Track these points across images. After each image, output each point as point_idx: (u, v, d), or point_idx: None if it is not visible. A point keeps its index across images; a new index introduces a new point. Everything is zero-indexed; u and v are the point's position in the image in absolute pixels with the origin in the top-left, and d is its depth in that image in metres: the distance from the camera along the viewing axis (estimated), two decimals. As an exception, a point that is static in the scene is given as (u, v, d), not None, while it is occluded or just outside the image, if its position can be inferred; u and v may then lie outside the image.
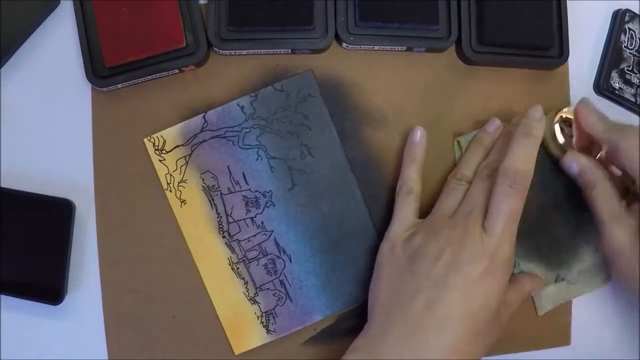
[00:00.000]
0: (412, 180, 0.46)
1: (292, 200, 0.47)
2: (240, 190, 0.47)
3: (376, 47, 0.48)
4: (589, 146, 0.47)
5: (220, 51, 0.47)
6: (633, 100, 0.51)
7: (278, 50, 0.47)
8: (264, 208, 0.47)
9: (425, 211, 0.46)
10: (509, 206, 0.41)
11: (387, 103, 0.49)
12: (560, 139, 0.47)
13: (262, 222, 0.47)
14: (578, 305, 0.50)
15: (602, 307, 0.50)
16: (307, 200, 0.47)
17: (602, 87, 0.51)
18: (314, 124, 0.47)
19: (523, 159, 0.43)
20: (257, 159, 0.47)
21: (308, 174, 0.47)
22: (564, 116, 0.47)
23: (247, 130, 0.47)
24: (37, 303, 0.46)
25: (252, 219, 0.47)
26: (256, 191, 0.47)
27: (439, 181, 0.49)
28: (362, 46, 0.48)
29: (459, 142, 0.49)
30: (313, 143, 0.47)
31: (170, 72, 0.47)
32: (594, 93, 0.51)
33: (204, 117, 0.47)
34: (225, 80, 0.48)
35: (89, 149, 0.47)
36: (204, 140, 0.47)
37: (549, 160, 0.48)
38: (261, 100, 0.47)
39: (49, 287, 0.46)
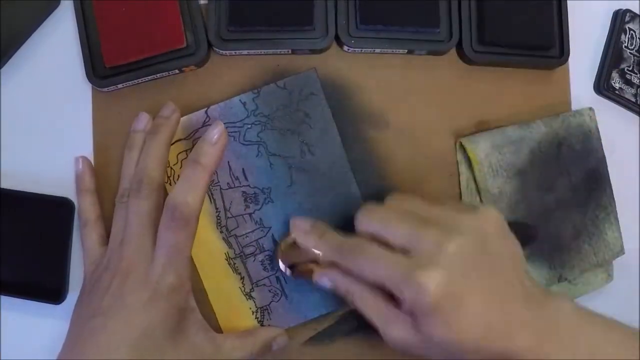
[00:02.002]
0: (85, 212, 0.46)
1: (291, 198, 0.47)
2: (239, 186, 0.47)
3: (377, 50, 0.49)
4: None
5: (221, 51, 0.48)
6: (633, 100, 0.51)
7: (278, 50, 0.48)
8: (262, 204, 0.47)
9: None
10: (170, 240, 0.41)
11: (388, 103, 0.49)
12: (287, 271, 0.45)
13: (260, 219, 0.47)
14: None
15: (602, 307, 0.49)
16: (306, 198, 0.47)
17: (602, 87, 0.51)
18: (315, 123, 0.47)
19: (186, 191, 0.42)
20: (257, 155, 0.47)
21: (308, 172, 0.47)
22: (284, 242, 0.45)
23: (249, 126, 0.47)
24: (38, 303, 0.46)
25: (250, 215, 0.47)
26: (255, 187, 0.47)
27: (440, 182, 0.48)
28: (363, 49, 0.49)
29: (461, 143, 0.49)
30: (314, 141, 0.47)
31: (170, 72, 0.47)
32: (594, 93, 0.51)
33: (206, 111, 0.47)
34: (225, 81, 0.48)
35: (89, 148, 0.48)
36: (205, 135, 0.47)
37: (552, 160, 0.48)
38: (263, 97, 0.47)
39: (50, 286, 0.46)
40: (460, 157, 0.49)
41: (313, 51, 0.48)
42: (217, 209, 0.47)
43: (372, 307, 0.41)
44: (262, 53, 0.48)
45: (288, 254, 0.45)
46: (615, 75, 0.51)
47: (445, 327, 0.37)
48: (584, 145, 0.49)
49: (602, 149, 0.49)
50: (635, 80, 0.51)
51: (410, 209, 0.42)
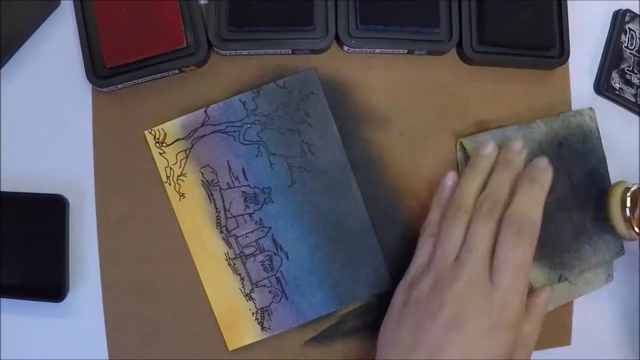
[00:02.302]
0: (436, 225, 0.44)
1: (291, 198, 0.47)
2: (239, 186, 0.47)
3: (377, 50, 0.49)
4: None
5: (221, 51, 0.47)
6: (633, 100, 0.51)
7: (278, 50, 0.48)
8: (262, 204, 0.47)
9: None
10: (516, 257, 0.39)
11: (388, 103, 0.49)
12: (627, 213, 0.46)
13: (260, 219, 0.47)
14: (578, 305, 0.50)
15: (602, 307, 0.49)
16: (306, 198, 0.47)
17: (602, 87, 0.51)
18: (315, 122, 0.47)
19: (530, 205, 0.41)
20: (257, 155, 0.47)
21: (308, 172, 0.47)
22: (633, 190, 0.46)
23: (248, 125, 0.47)
24: (39, 302, 0.46)
25: (250, 215, 0.47)
26: (255, 187, 0.47)
27: (439, 181, 0.48)
28: (363, 49, 0.48)
29: (461, 143, 0.49)
30: (314, 141, 0.47)
31: (170, 72, 0.47)
32: (594, 93, 0.51)
33: (205, 111, 0.47)
34: (225, 81, 0.48)
35: (87, 147, 0.48)
36: (205, 135, 0.47)
37: (552, 160, 0.48)
38: (263, 97, 0.47)
39: (50, 285, 0.45)
40: (460, 156, 0.49)
41: (313, 51, 0.48)
42: (217, 209, 0.47)
43: None
44: (262, 53, 0.48)
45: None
46: (615, 75, 0.51)
47: None
48: (584, 145, 0.49)
49: (603, 149, 0.49)
50: (635, 81, 0.51)
51: None
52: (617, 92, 0.51)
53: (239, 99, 0.47)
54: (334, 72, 0.49)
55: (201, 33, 0.47)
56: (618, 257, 0.49)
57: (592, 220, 0.48)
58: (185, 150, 0.47)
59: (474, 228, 0.41)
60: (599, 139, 0.49)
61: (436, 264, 0.42)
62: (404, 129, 0.49)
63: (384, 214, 0.48)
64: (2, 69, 0.48)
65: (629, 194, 0.46)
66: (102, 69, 0.46)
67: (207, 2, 0.48)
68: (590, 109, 0.49)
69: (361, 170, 0.48)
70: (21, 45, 0.48)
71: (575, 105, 0.51)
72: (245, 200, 0.47)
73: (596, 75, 0.51)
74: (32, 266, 0.46)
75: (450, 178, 0.46)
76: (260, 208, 0.47)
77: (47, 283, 0.45)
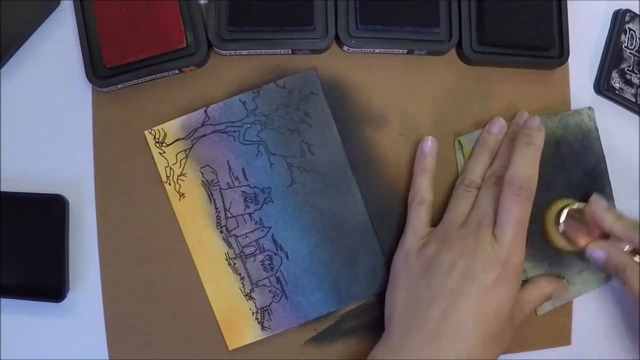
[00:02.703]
0: (424, 191, 0.47)
1: (291, 198, 0.47)
2: (239, 186, 0.47)
3: (377, 50, 0.49)
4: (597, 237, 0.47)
5: (221, 51, 0.47)
6: (633, 100, 0.51)
7: (278, 50, 0.48)
8: (262, 204, 0.47)
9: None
10: (517, 213, 0.43)
11: (387, 103, 0.49)
12: (561, 228, 0.47)
13: (260, 219, 0.47)
14: (578, 305, 0.50)
15: (602, 307, 0.49)
16: (306, 197, 0.47)
17: (602, 87, 0.51)
18: (315, 122, 0.47)
19: (526, 166, 0.44)
20: (257, 155, 0.47)
21: (308, 172, 0.47)
22: (571, 209, 0.47)
23: (248, 125, 0.47)
24: (39, 302, 0.46)
25: (250, 214, 0.47)
26: (255, 187, 0.47)
27: (439, 181, 0.48)
28: (363, 49, 0.48)
29: (459, 141, 0.49)
30: (314, 141, 0.47)
31: (170, 72, 0.47)
32: (594, 93, 0.51)
33: (205, 111, 0.47)
34: (225, 81, 0.48)
35: (87, 147, 0.48)
36: (205, 135, 0.47)
37: (550, 159, 0.48)
38: (263, 97, 0.47)
39: (50, 285, 0.45)
40: (459, 155, 0.49)
41: (313, 51, 0.48)
42: (217, 208, 0.47)
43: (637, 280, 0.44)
44: (262, 53, 0.48)
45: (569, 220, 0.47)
46: (615, 75, 0.51)
47: None
48: (582, 144, 0.49)
49: (602, 148, 0.49)
50: (635, 80, 0.51)
51: None
52: (617, 92, 0.51)
53: (239, 99, 0.47)
54: (334, 72, 0.49)
55: (201, 33, 0.47)
56: None
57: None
58: (185, 150, 0.47)
59: (480, 196, 0.46)
60: (598, 138, 0.49)
61: (442, 230, 0.45)
62: (404, 129, 0.49)
63: (383, 214, 0.48)
64: (2, 69, 0.48)
65: (565, 211, 0.47)
66: (102, 69, 0.46)
67: (207, 2, 0.48)
68: (589, 108, 0.49)
69: (361, 170, 0.48)
70: (21, 45, 0.48)
71: (575, 105, 0.51)
72: (245, 200, 0.47)
73: (596, 75, 0.51)
74: (32, 266, 0.46)
75: (428, 142, 0.48)
76: (260, 208, 0.47)
77: (47, 283, 0.46)
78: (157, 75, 0.47)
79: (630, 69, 0.51)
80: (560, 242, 0.47)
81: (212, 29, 0.47)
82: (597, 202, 0.46)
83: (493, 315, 0.41)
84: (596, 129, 0.49)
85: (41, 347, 0.45)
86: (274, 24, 0.47)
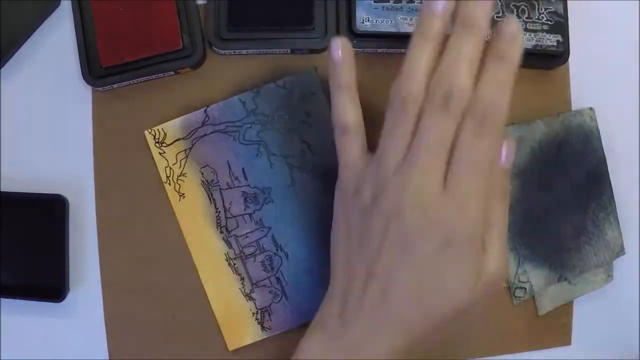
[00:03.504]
0: (345, 115, 0.38)
1: (291, 198, 0.47)
2: (239, 186, 0.47)
3: (379, 50, 0.48)
4: None
5: (220, 51, 0.47)
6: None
7: (277, 50, 0.48)
8: (262, 204, 0.47)
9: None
10: (479, 152, 0.33)
11: (387, 103, 0.49)
12: None
13: (260, 219, 0.47)
14: (578, 305, 0.50)
15: (602, 307, 0.49)
16: (306, 198, 0.47)
17: None
18: (315, 122, 0.47)
19: (495, 90, 0.34)
20: (257, 155, 0.47)
21: (308, 172, 0.47)
22: None
23: (248, 125, 0.47)
24: (39, 302, 0.46)
25: (250, 215, 0.47)
26: (255, 187, 0.47)
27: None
28: (365, 49, 0.48)
29: None
30: (314, 141, 0.47)
31: (166, 73, 0.47)
32: (593, 93, 0.51)
33: (205, 111, 0.47)
34: (225, 81, 0.48)
35: (87, 147, 0.48)
36: (205, 135, 0.47)
37: (552, 160, 0.48)
38: (263, 97, 0.47)
39: (50, 285, 0.45)
40: None
41: (313, 51, 0.48)
42: (216, 209, 0.47)
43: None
44: (262, 53, 0.48)
45: None
46: None
47: None
48: (584, 145, 0.49)
49: (603, 149, 0.49)
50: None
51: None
52: None
53: (239, 99, 0.47)
54: (334, 72, 0.49)
55: (197, 35, 0.47)
56: (618, 257, 0.49)
57: (592, 220, 0.48)
58: (185, 150, 0.47)
59: (424, 121, 0.34)
60: (599, 139, 0.49)
61: (376, 172, 0.36)
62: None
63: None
64: (2, 69, 0.48)
65: None
66: (98, 68, 0.46)
67: (205, 2, 0.48)
68: (591, 109, 0.49)
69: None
70: (21, 45, 0.48)
71: (575, 105, 0.50)
72: (245, 201, 0.47)
73: None
74: (32, 266, 0.46)
75: (338, 47, 0.37)
76: (260, 208, 0.47)
77: (47, 283, 0.45)
78: (153, 76, 0.47)
79: (500, 15, 0.47)
80: None
81: (211, 28, 0.47)
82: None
83: (440, 290, 0.34)
84: (597, 129, 0.49)
85: (41, 347, 0.45)
86: (273, 23, 0.47)
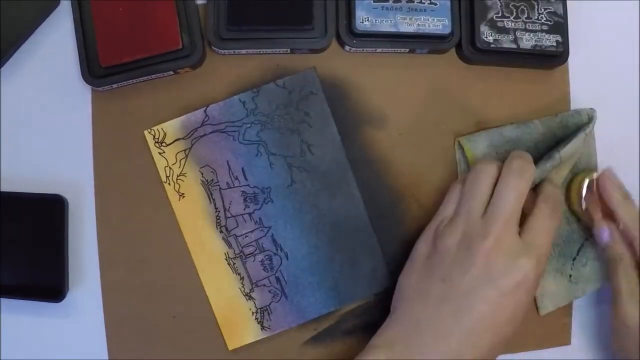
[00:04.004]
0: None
1: (291, 197, 0.47)
2: (239, 186, 0.47)
3: (379, 50, 0.49)
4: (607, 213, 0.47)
5: (220, 51, 0.47)
6: (514, 46, 0.48)
7: (277, 50, 0.48)
8: (262, 204, 0.47)
9: (428, 212, 0.46)
10: (551, 226, 0.41)
11: (387, 103, 0.49)
12: (584, 200, 0.47)
13: (260, 218, 0.47)
14: (578, 305, 0.50)
15: (602, 307, 0.49)
16: (306, 197, 0.47)
17: (476, 47, 0.48)
18: (315, 122, 0.47)
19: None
20: (257, 155, 0.47)
21: (307, 172, 0.47)
22: (591, 180, 0.47)
23: (248, 125, 0.47)
24: (39, 302, 0.46)
25: (250, 214, 0.47)
26: (255, 187, 0.47)
27: (439, 181, 0.48)
28: (365, 49, 0.48)
29: (459, 142, 0.49)
30: (313, 141, 0.47)
31: (165, 73, 0.47)
32: (593, 92, 0.51)
33: (205, 111, 0.47)
34: (226, 80, 0.48)
35: (87, 147, 0.48)
36: (205, 134, 0.47)
37: (550, 161, 0.48)
38: (263, 96, 0.47)
39: (50, 285, 0.46)
40: (459, 156, 0.49)
41: (312, 51, 0.48)
42: (216, 208, 0.47)
43: (628, 279, 0.44)
44: (261, 52, 0.48)
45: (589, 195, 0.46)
46: (484, 29, 0.48)
47: None
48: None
49: (595, 147, 0.49)
50: (510, 25, 0.48)
51: None
52: (493, 45, 0.48)
53: (239, 99, 0.47)
54: (334, 72, 0.49)
55: (197, 35, 0.47)
56: None
57: (591, 219, 0.48)
58: (184, 150, 0.47)
59: (504, 182, 0.41)
60: (593, 138, 0.49)
61: (463, 218, 0.42)
62: (404, 129, 0.49)
63: (383, 214, 0.48)
64: (2, 69, 0.48)
65: (585, 184, 0.47)
66: (97, 68, 0.46)
67: (205, 2, 0.48)
68: (591, 108, 0.49)
69: (361, 170, 0.48)
70: (21, 45, 0.48)
71: (575, 105, 0.51)
72: (245, 200, 0.47)
73: (463, 39, 0.49)
74: (32, 266, 0.46)
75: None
76: (260, 208, 0.47)
77: (47, 283, 0.46)
78: (152, 76, 0.47)
79: (500, 15, 0.48)
80: (585, 217, 0.47)
81: (211, 28, 0.47)
82: (607, 175, 0.45)
83: (506, 322, 0.40)
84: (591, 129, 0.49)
85: (41, 347, 0.45)
86: (273, 23, 0.47)
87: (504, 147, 0.48)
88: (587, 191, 0.47)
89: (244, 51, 0.48)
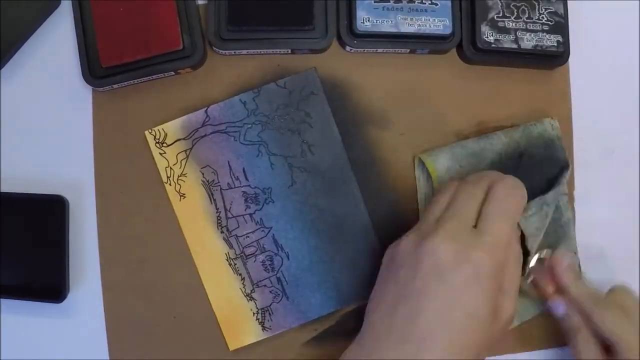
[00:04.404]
0: None
1: (292, 198, 0.47)
2: (240, 186, 0.47)
3: (379, 50, 0.49)
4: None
5: (220, 51, 0.47)
6: (515, 46, 0.48)
7: (278, 50, 0.48)
8: (263, 204, 0.47)
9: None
10: (508, 204, 0.40)
11: (388, 103, 0.49)
12: (530, 277, 0.46)
13: (260, 219, 0.47)
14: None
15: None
16: (307, 198, 0.47)
17: (476, 47, 0.48)
18: (315, 122, 0.47)
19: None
20: (257, 155, 0.47)
21: (308, 172, 0.47)
22: (539, 258, 0.46)
23: (249, 126, 0.47)
24: (39, 303, 0.46)
25: (251, 215, 0.47)
26: (256, 187, 0.47)
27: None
28: (366, 49, 0.48)
29: (420, 158, 0.48)
30: (314, 141, 0.47)
31: (166, 74, 0.47)
32: (593, 92, 0.51)
33: (205, 111, 0.47)
34: (226, 81, 0.48)
35: (88, 148, 0.48)
36: (205, 135, 0.47)
37: (513, 171, 0.46)
38: (263, 97, 0.47)
39: (50, 286, 0.46)
40: (418, 173, 0.48)
41: (313, 51, 0.48)
42: (217, 209, 0.47)
43: (588, 350, 0.43)
44: (262, 53, 0.48)
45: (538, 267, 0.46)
46: (485, 29, 0.47)
47: None
48: (545, 154, 0.48)
49: (565, 156, 0.48)
50: (511, 25, 0.48)
51: None
52: (493, 45, 0.48)
53: (240, 99, 0.47)
54: (334, 72, 0.49)
55: (198, 35, 0.47)
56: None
57: (567, 224, 0.48)
58: (185, 151, 0.47)
59: (460, 190, 0.41)
60: (561, 147, 0.48)
61: (419, 225, 0.41)
62: (404, 129, 0.49)
63: (384, 214, 0.48)
64: (2, 69, 0.48)
65: (534, 258, 0.46)
66: (98, 68, 0.46)
67: (205, 2, 0.48)
68: (552, 118, 0.49)
69: (362, 170, 0.48)
70: (21, 46, 0.48)
71: (575, 104, 0.51)
72: (245, 201, 0.47)
73: (464, 39, 0.49)
74: (32, 266, 0.46)
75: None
76: (261, 208, 0.47)
77: (48, 283, 0.45)
78: (153, 76, 0.47)
79: (500, 15, 0.48)
80: (528, 289, 0.46)
81: (211, 28, 0.47)
82: (559, 258, 0.45)
83: (467, 316, 0.38)
84: (559, 137, 0.48)
85: (41, 348, 0.45)
86: (274, 23, 0.47)
87: (467, 160, 0.47)
88: (536, 264, 0.46)
89: (244, 51, 0.48)
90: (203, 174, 0.47)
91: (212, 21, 0.47)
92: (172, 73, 0.47)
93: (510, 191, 0.40)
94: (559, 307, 0.45)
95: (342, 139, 0.47)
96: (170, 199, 0.47)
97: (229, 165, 0.47)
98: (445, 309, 0.38)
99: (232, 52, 0.48)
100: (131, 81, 0.47)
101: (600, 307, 0.43)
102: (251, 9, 0.47)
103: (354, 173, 0.47)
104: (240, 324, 0.46)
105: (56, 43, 0.48)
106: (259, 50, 0.48)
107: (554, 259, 0.45)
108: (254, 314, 0.46)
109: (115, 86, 0.47)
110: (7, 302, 0.46)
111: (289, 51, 0.48)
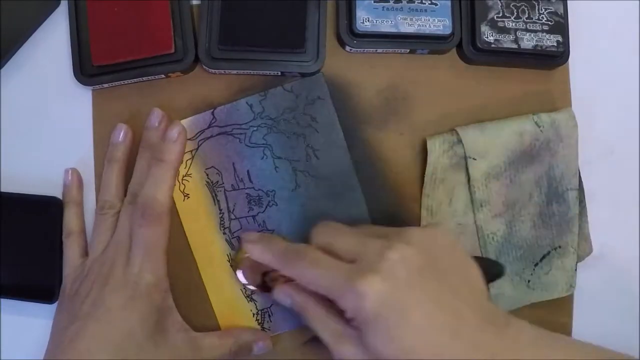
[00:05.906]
0: (68, 223, 0.46)
1: (295, 201, 0.47)
2: (243, 188, 0.47)
3: (379, 50, 0.49)
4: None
5: (210, 70, 0.47)
6: (515, 46, 0.48)
7: (267, 72, 0.48)
8: (266, 207, 0.47)
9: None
10: (144, 237, 0.42)
11: (388, 103, 0.49)
12: (242, 279, 0.46)
13: (263, 221, 0.47)
14: (578, 305, 0.50)
15: (602, 307, 0.50)
16: (310, 201, 0.47)
17: (476, 47, 0.48)
18: (321, 127, 0.47)
19: (154, 188, 0.43)
20: (262, 158, 0.47)
21: (312, 176, 0.47)
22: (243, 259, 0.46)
23: (255, 128, 0.47)
24: (31, 303, 0.46)
25: (254, 217, 0.47)
26: (260, 190, 0.47)
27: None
28: (366, 50, 0.48)
29: (456, 131, 0.48)
30: (319, 145, 0.47)
31: (156, 76, 0.47)
32: (591, 92, 0.51)
33: (212, 113, 0.47)
34: (229, 81, 0.48)
35: (87, 147, 0.48)
36: (211, 136, 0.47)
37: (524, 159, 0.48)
38: (270, 100, 0.47)
39: (42, 286, 0.46)
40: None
41: (303, 74, 0.48)
42: (220, 210, 0.47)
43: (322, 322, 0.40)
44: (252, 74, 0.48)
45: (252, 268, 0.45)
46: (485, 29, 0.48)
47: (390, 342, 0.36)
48: (558, 147, 0.48)
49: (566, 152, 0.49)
50: (511, 25, 0.48)
51: (367, 230, 0.42)
52: (493, 45, 0.48)
53: (246, 102, 0.47)
54: (335, 72, 0.49)
55: (190, 40, 0.47)
56: (581, 261, 0.49)
57: (558, 222, 0.48)
58: (191, 151, 0.47)
59: (120, 216, 0.44)
60: (576, 141, 0.49)
61: (89, 257, 0.44)
62: (405, 129, 0.49)
63: (384, 215, 0.48)
64: (2, 69, 0.47)
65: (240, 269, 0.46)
66: (89, 67, 0.46)
67: (199, 1, 0.47)
68: (569, 109, 0.49)
69: (362, 170, 0.48)
70: (21, 46, 0.48)
71: (575, 105, 0.51)
72: (249, 203, 0.47)
73: (464, 38, 0.49)
74: (25, 266, 0.46)
75: (68, 172, 0.47)
76: (264, 211, 0.47)
77: (40, 284, 0.46)
78: (143, 78, 0.47)
79: (500, 15, 0.48)
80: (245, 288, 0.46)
81: (202, 45, 0.46)
82: (244, 238, 0.45)
83: (124, 337, 0.40)
84: (576, 128, 0.49)
85: (41, 348, 0.45)
86: (265, 45, 0.46)
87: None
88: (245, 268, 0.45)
89: (234, 71, 0.47)
90: (207, 174, 0.47)
91: (203, 38, 0.46)
92: (163, 76, 0.47)
93: (142, 221, 0.43)
94: (280, 295, 0.42)
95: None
96: (174, 198, 0.47)
97: (234, 167, 0.47)
98: (104, 330, 0.40)
99: (222, 71, 0.47)
100: (121, 81, 0.47)
101: (296, 257, 0.41)
102: (243, 29, 0.46)
103: (357, 178, 0.47)
104: (240, 325, 0.47)
105: (56, 43, 0.48)
106: (249, 71, 0.47)
107: (242, 238, 0.45)
108: (253, 314, 0.47)
109: (105, 85, 0.47)
110: (7, 303, 0.47)
111: (279, 73, 0.48)
